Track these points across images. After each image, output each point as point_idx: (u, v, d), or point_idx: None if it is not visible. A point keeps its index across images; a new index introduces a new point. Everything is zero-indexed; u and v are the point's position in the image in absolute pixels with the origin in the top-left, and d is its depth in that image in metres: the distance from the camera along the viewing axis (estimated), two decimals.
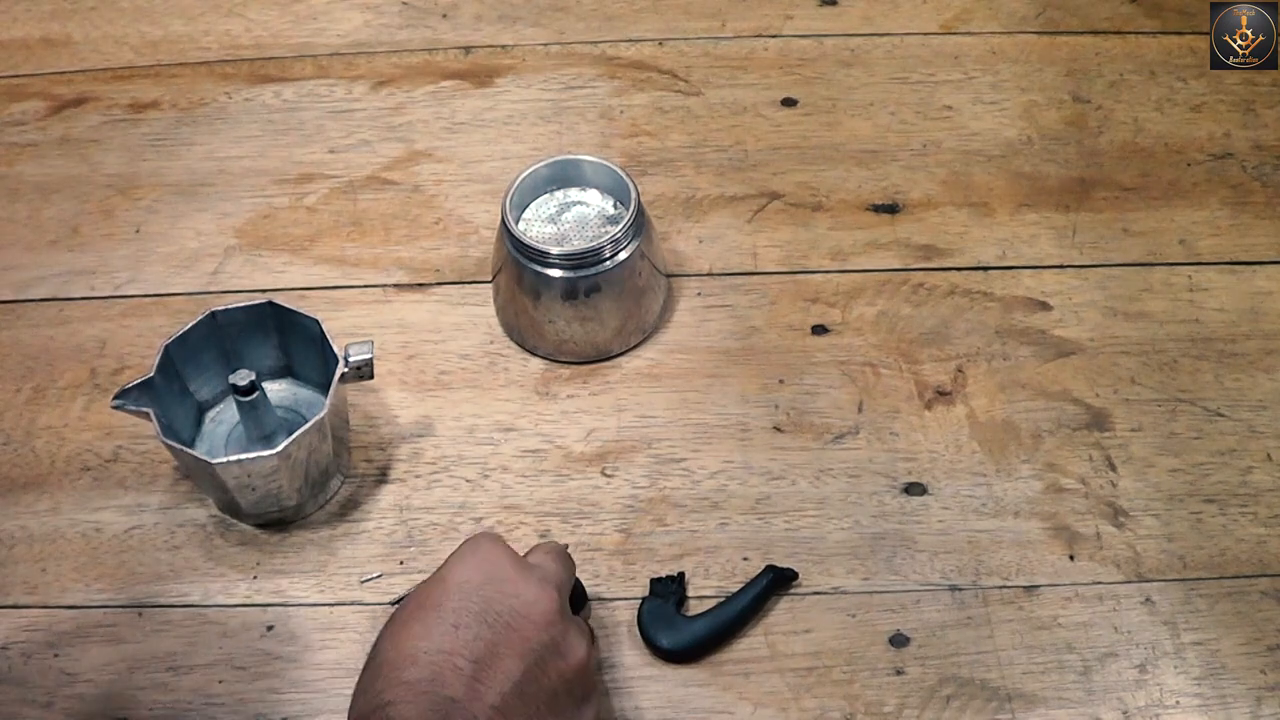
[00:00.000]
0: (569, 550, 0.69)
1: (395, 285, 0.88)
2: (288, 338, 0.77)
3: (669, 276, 0.87)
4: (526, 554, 0.66)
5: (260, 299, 0.76)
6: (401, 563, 0.74)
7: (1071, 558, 0.74)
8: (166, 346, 0.74)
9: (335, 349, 0.74)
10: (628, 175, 0.82)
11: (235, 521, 0.76)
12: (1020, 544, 0.74)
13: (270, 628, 0.72)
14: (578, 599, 0.70)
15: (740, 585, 0.72)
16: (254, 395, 0.73)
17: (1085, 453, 0.78)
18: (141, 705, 0.69)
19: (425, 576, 0.73)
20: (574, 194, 0.85)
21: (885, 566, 0.73)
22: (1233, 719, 0.68)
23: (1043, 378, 0.82)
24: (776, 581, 0.72)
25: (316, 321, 0.75)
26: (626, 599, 0.72)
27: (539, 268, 0.80)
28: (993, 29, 1.03)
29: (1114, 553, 0.74)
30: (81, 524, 0.76)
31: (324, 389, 0.75)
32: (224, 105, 0.99)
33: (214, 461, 0.69)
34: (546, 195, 0.85)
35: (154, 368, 0.73)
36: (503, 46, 1.02)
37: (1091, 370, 0.82)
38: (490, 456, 0.79)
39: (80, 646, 0.71)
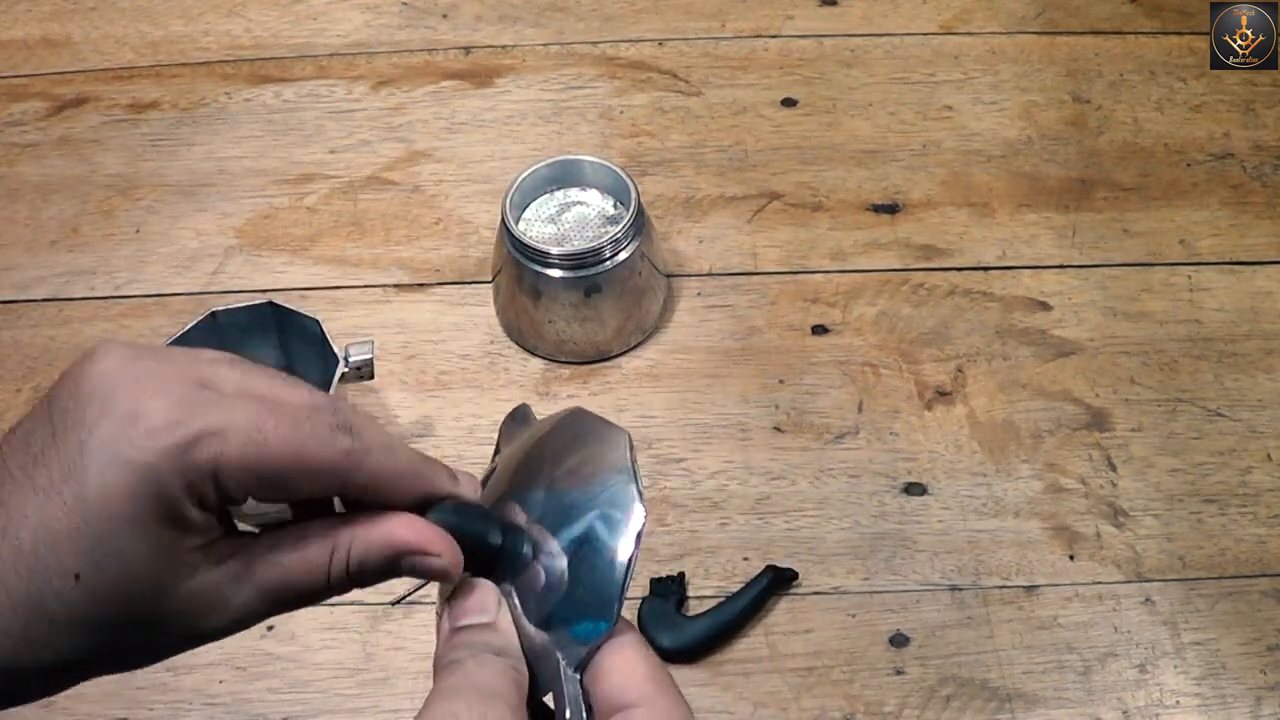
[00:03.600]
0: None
1: (395, 285, 0.88)
2: (288, 338, 0.77)
3: (669, 276, 0.87)
4: None
5: (260, 299, 0.76)
6: None
7: (1071, 558, 0.74)
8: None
9: (335, 349, 0.74)
10: (628, 175, 0.82)
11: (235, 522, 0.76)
12: (1020, 544, 0.74)
13: (270, 628, 0.72)
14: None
15: (740, 585, 0.72)
16: None
17: (1085, 453, 0.78)
18: (141, 705, 0.69)
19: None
20: (574, 194, 0.85)
21: (885, 566, 0.73)
22: (1233, 719, 0.68)
23: (1043, 378, 0.82)
24: (776, 581, 0.72)
25: (316, 321, 0.75)
26: (627, 599, 0.72)
27: (539, 268, 0.80)
28: (993, 29, 1.03)
29: (1114, 553, 0.74)
30: None
31: (324, 389, 0.75)
32: (224, 105, 0.99)
33: None
34: (546, 195, 0.85)
35: None
36: (503, 46, 1.02)
37: (1091, 370, 0.82)
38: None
39: None
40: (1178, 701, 0.68)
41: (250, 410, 0.38)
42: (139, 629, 0.38)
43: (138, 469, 0.36)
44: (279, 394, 0.39)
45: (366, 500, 0.40)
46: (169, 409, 0.37)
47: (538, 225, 0.83)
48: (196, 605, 0.38)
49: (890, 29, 1.03)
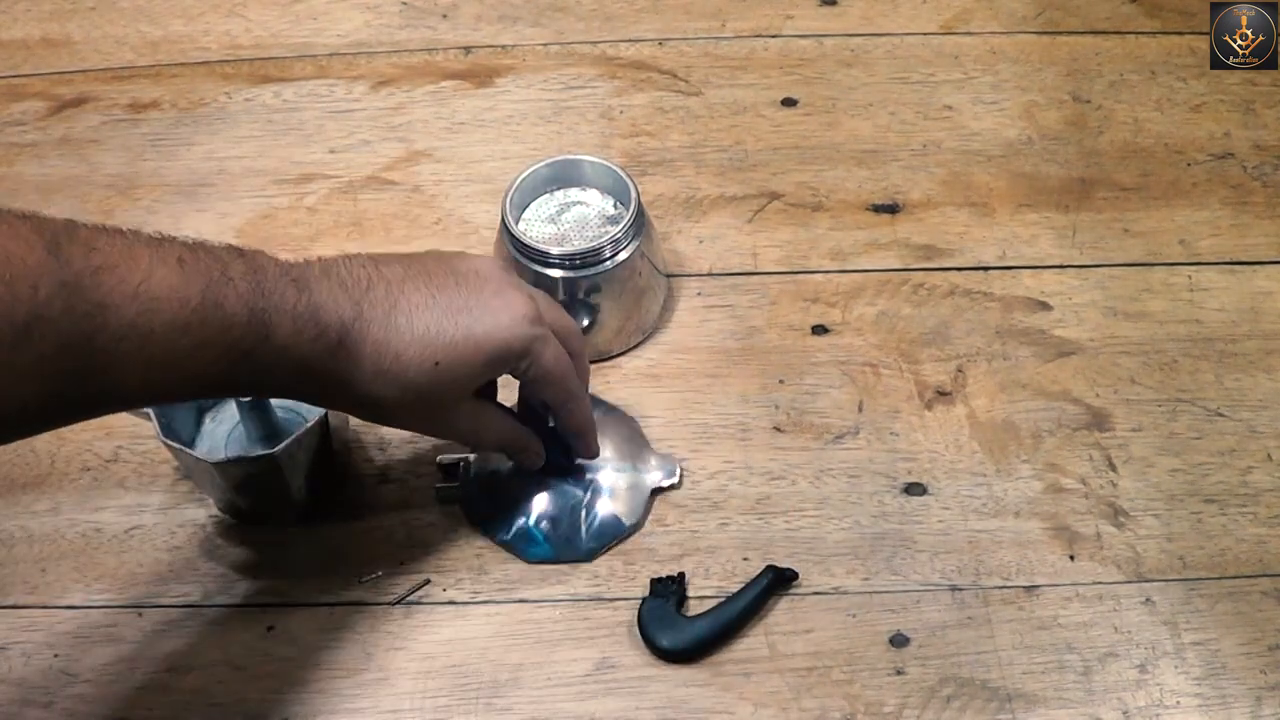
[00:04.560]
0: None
1: None
2: None
3: (669, 276, 0.87)
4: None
5: None
6: (402, 563, 0.74)
7: (1071, 558, 0.74)
8: None
9: None
10: (628, 175, 0.82)
11: (235, 521, 0.76)
12: (1020, 544, 0.74)
13: (270, 628, 0.72)
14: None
15: (740, 585, 0.72)
16: None
17: (1085, 453, 0.78)
18: (141, 705, 0.69)
19: (424, 576, 0.74)
20: (574, 194, 0.85)
21: (885, 566, 0.73)
22: (1233, 719, 0.68)
23: (1043, 378, 0.82)
24: (776, 581, 0.72)
25: None
26: (626, 599, 0.72)
27: (539, 268, 0.80)
28: (993, 29, 1.03)
29: (1114, 553, 0.74)
30: (81, 524, 0.76)
31: None
32: (224, 105, 0.99)
33: (214, 461, 0.69)
34: (546, 195, 0.85)
35: None
36: (503, 46, 1.02)
37: (1091, 370, 0.82)
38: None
39: (80, 646, 0.71)
40: (1178, 702, 0.68)
41: (557, 340, 0.68)
42: (436, 402, 0.65)
43: (505, 338, 0.65)
44: (571, 341, 0.70)
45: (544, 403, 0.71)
46: (534, 311, 0.66)
47: (538, 225, 0.83)
48: (458, 411, 0.67)
49: (890, 29, 1.03)
